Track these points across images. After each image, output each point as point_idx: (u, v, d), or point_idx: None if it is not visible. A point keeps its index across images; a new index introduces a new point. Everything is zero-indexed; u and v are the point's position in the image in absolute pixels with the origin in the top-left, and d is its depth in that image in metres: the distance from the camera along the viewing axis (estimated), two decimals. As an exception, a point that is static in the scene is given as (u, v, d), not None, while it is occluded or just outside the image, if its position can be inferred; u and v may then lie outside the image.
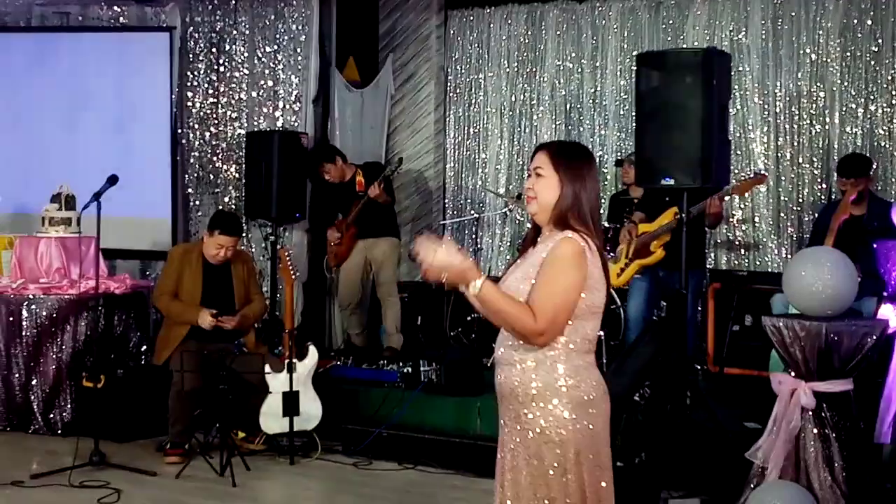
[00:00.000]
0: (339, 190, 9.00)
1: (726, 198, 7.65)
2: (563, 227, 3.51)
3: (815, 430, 5.31)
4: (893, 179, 8.57)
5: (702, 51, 6.55)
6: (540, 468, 3.48)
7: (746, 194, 8.63)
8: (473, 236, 10.18)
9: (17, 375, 8.04)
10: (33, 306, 8.04)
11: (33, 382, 8.01)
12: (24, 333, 8.02)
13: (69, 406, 7.99)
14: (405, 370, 8.10)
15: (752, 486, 5.50)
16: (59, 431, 7.94)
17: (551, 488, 3.47)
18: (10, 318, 8.06)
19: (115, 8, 10.28)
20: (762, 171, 8.37)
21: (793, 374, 5.42)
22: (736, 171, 8.74)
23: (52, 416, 8.00)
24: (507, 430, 3.60)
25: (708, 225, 7.48)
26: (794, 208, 9.01)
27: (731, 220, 9.08)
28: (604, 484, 3.53)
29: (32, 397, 8.01)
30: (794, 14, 9.00)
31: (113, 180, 7.26)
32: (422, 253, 3.40)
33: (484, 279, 3.41)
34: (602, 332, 8.13)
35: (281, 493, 6.71)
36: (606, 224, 8.54)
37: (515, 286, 3.54)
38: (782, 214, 9.04)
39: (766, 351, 6.96)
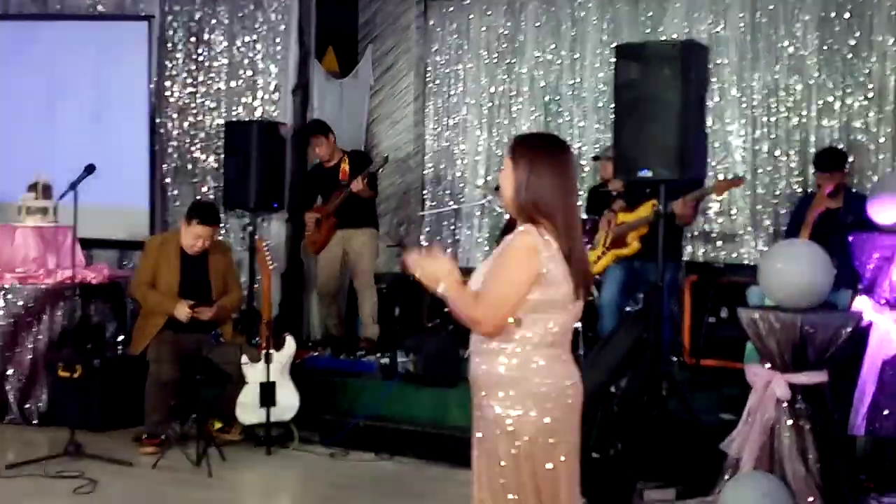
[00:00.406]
0: (323, 174, 8.97)
1: (706, 197, 7.67)
2: (526, 220, 3.52)
3: (790, 422, 5.35)
4: (870, 173, 8.59)
5: (680, 43, 6.59)
6: (494, 457, 3.52)
7: (723, 195, 8.66)
8: (452, 227, 10.21)
9: (-8, 365, 8.01)
10: (9, 296, 8.00)
11: (9, 372, 7.97)
12: (-1, 323, 7.99)
13: (45, 396, 7.96)
14: (382, 361, 8.11)
15: (726, 477, 5.54)
16: (35, 422, 7.91)
17: (506, 477, 3.51)
18: (-14, 308, 8.02)
19: (94, -4, 10.25)
20: (741, 175, 8.43)
21: (768, 365, 5.46)
22: (713, 164, 8.77)
23: (27, 406, 7.97)
24: (474, 419, 3.65)
25: (678, 223, 7.46)
26: (771, 201, 9.04)
27: (707, 212, 9.10)
28: (560, 478, 3.56)
29: (8, 387, 7.97)
30: (771, 7, 9.01)
31: (90, 169, 7.23)
32: (411, 267, 3.53)
33: (450, 280, 3.48)
34: (579, 324, 8.19)
35: (257, 484, 6.70)
36: (585, 216, 8.55)
37: (479, 273, 3.61)
38: (759, 207, 9.07)
39: (741, 343, 6.99)
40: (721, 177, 8.67)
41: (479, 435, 3.62)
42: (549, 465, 3.51)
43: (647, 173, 6.43)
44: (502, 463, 3.51)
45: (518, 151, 3.59)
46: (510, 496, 3.52)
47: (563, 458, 3.55)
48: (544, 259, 3.44)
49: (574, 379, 3.60)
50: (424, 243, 9.99)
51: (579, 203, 8.91)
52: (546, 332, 3.50)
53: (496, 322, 3.46)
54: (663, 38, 9.23)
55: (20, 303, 7.99)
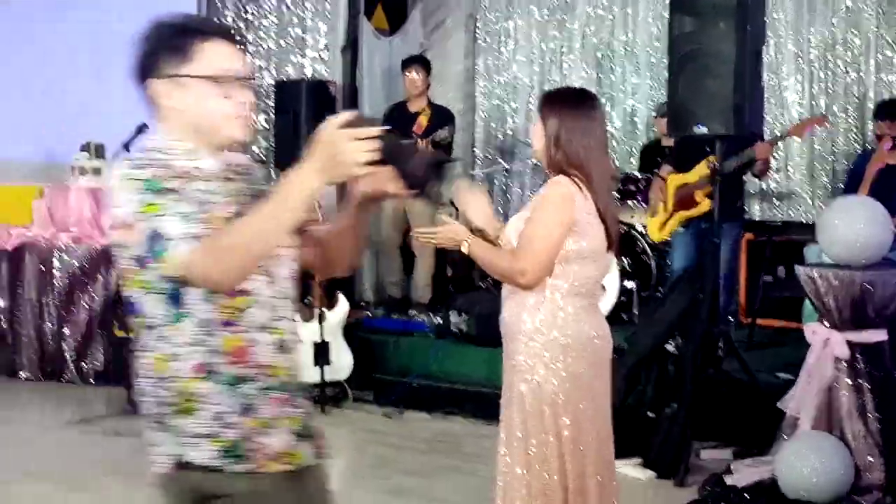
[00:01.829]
0: (401, 117, 8.83)
1: (779, 142, 7.53)
2: (558, 172, 3.54)
3: (849, 381, 5.28)
4: (929, 128, 8.44)
5: (736, -5, 6.44)
6: (521, 405, 3.56)
7: (803, 135, 8.17)
8: (503, 187, 10.15)
9: (49, 325, 8.09)
10: (64, 255, 8.08)
11: (65, 332, 8.05)
12: (55, 283, 8.06)
13: (101, 355, 8.04)
14: (435, 321, 8.10)
15: (784, 436, 5.48)
16: (92, 381, 7.99)
17: (529, 426, 3.53)
18: (42, 268, 8.09)
19: (143, -44, 10.23)
20: (824, 113, 8.25)
21: (826, 324, 5.38)
22: (769, 120, 8.64)
23: (84, 365, 8.05)
24: (504, 366, 3.71)
25: (756, 173, 7.34)
26: (828, 157, 8.91)
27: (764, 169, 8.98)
28: (584, 429, 3.55)
29: (65, 347, 8.06)
30: (830, -40, 8.86)
31: (142, 129, 7.23)
32: (460, 199, 3.80)
33: (471, 240, 3.67)
34: (634, 284, 8.14)
35: (312, 442, 6.73)
36: (638, 174, 8.47)
37: (513, 225, 3.67)
38: (816, 164, 8.94)
39: (798, 302, 6.91)
40: (778, 133, 8.55)
41: (506, 383, 3.64)
42: (569, 418, 3.52)
43: (702, 129, 6.32)
44: (525, 411, 3.54)
45: (546, 107, 3.65)
46: (531, 448, 3.54)
47: (582, 408, 3.55)
48: (578, 208, 3.46)
49: (601, 331, 3.62)
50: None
51: (632, 160, 8.88)
52: (576, 281, 3.54)
53: (540, 272, 3.51)
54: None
55: (75, 263, 8.06)
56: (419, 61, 8.96)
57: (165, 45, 2.47)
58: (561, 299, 3.55)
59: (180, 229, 2.26)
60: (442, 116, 8.87)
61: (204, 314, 2.37)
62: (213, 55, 2.45)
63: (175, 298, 2.37)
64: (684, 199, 7.47)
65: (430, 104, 8.87)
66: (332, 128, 2.24)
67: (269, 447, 2.43)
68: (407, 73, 8.84)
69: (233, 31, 2.55)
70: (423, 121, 8.75)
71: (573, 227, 3.49)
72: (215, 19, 9.85)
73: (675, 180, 7.57)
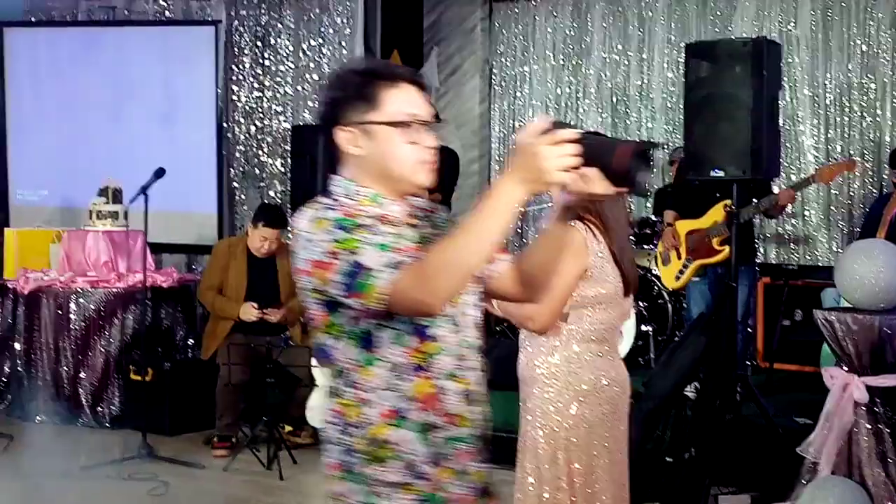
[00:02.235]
0: None
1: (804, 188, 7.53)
2: (574, 217, 3.54)
3: (869, 426, 5.23)
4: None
5: (752, 40, 6.45)
6: (534, 450, 3.57)
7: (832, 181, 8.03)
8: (518, 230, 10.15)
9: (65, 368, 8.08)
10: (81, 300, 8.09)
11: (81, 375, 8.05)
12: (71, 327, 8.06)
13: (117, 399, 8.03)
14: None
15: (803, 481, 5.43)
16: (108, 424, 7.98)
17: (542, 472, 3.53)
18: (59, 312, 8.10)
19: (161, 2, 10.34)
20: (852, 157, 8.23)
21: (845, 368, 5.34)
22: (785, 164, 8.65)
23: (100, 409, 8.04)
24: (520, 412, 3.72)
25: (770, 215, 7.35)
26: (845, 201, 8.90)
27: (781, 216, 8.98)
28: (597, 475, 3.56)
29: (80, 390, 8.05)
30: (843, 5, 8.89)
31: (160, 173, 7.29)
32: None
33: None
34: (651, 328, 8.12)
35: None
36: (654, 218, 8.47)
37: None
38: (832, 208, 8.93)
39: (816, 346, 6.87)
40: (794, 178, 8.54)
41: (521, 430, 3.64)
42: (582, 465, 3.51)
43: (719, 173, 6.32)
44: (538, 457, 3.54)
45: None
46: (545, 494, 3.53)
47: (596, 454, 3.53)
48: (591, 255, 3.46)
49: (617, 377, 3.60)
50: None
51: (648, 204, 8.87)
52: (591, 327, 3.53)
53: (550, 318, 3.51)
54: (733, 37, 9.12)
55: (92, 307, 8.08)
56: None
57: (352, 93, 2.46)
58: (575, 345, 3.54)
59: (380, 259, 2.25)
60: (448, 158, 8.88)
61: (395, 358, 2.36)
62: (399, 101, 2.44)
63: (366, 342, 2.36)
64: (699, 247, 7.42)
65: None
66: (531, 136, 2.18)
67: (460, 501, 2.42)
68: None
69: (417, 76, 2.52)
70: None
71: (587, 272, 3.49)
72: (233, 66, 9.96)
73: (684, 226, 7.53)
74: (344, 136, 2.46)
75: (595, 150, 2.18)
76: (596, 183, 2.22)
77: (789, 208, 8.66)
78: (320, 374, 7.14)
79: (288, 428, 7.38)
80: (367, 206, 2.41)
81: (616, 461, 3.63)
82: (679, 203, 7.69)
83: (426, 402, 2.38)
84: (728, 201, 6.86)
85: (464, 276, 2.24)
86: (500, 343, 7.95)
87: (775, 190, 7.45)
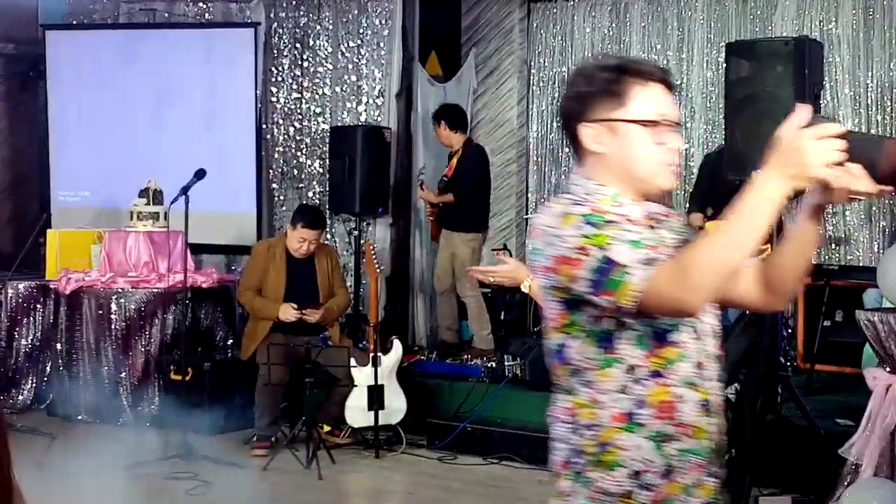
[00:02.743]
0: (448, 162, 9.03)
1: None
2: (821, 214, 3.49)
3: (912, 427, 5.20)
4: None
5: (793, 39, 6.41)
6: None
7: None
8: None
9: (106, 368, 8.15)
10: (122, 300, 8.15)
11: (122, 375, 8.11)
12: (113, 327, 8.13)
13: (157, 399, 8.08)
14: (489, 365, 8.08)
15: (845, 483, 5.40)
16: (148, 423, 8.03)
17: None
18: (100, 312, 8.17)
19: (201, 4, 10.39)
20: None
21: (888, 369, 5.30)
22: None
23: (140, 408, 8.10)
24: None
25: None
26: (887, 201, 8.81)
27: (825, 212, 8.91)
28: None
29: (121, 390, 8.11)
30: (886, 3, 8.79)
31: (200, 174, 7.34)
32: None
33: (532, 280, 3.46)
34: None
35: (366, 487, 6.73)
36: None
37: None
38: (874, 207, 8.85)
39: (857, 347, 6.83)
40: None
41: None
42: None
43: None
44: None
45: None
46: None
47: None
48: None
49: None
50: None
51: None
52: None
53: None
54: (773, 36, 9.07)
55: (133, 307, 8.14)
56: (436, 116, 9.04)
57: (600, 89, 2.39)
58: None
59: (634, 256, 2.19)
60: (470, 154, 8.92)
61: (634, 360, 2.31)
62: (648, 99, 2.38)
63: (606, 342, 2.31)
64: None
65: (463, 145, 8.90)
66: (794, 129, 2.12)
67: None
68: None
69: (668, 75, 2.46)
70: (453, 162, 8.83)
71: None
72: (272, 68, 10.00)
73: (717, 226, 7.47)
74: (588, 133, 2.40)
75: (862, 147, 2.12)
76: (860, 181, 2.12)
77: (830, 206, 8.60)
78: (359, 374, 7.17)
79: (327, 428, 7.41)
80: (608, 206, 2.34)
81: None
82: (707, 203, 7.64)
83: (662, 410, 2.31)
84: None
85: (724, 274, 2.17)
86: (537, 344, 7.95)
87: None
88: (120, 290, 8.21)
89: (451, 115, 8.96)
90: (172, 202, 7.44)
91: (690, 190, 8.85)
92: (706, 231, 7.42)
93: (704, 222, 7.55)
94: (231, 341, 8.44)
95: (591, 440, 2.34)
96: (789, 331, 7.71)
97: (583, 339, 2.33)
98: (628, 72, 2.39)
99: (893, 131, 8.79)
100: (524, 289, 3.61)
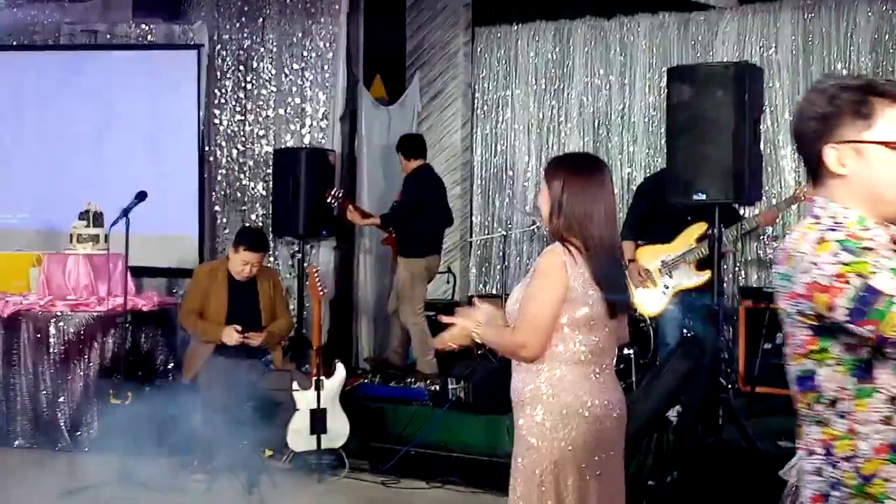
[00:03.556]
0: None
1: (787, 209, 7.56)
2: (558, 238, 3.55)
3: (851, 449, 5.23)
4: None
5: (734, 64, 6.49)
6: (525, 473, 3.55)
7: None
8: (501, 254, 10.13)
9: (44, 392, 8.03)
10: (61, 323, 8.04)
11: (60, 399, 7.99)
12: (51, 350, 8.01)
13: (96, 423, 7.97)
14: (433, 388, 8.06)
15: (786, 505, 5.42)
16: (86, 449, 7.91)
17: (531, 493, 3.52)
18: (38, 335, 8.05)
19: (143, 26, 10.31)
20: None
21: (828, 391, 5.34)
22: (766, 188, 8.67)
23: (79, 433, 7.98)
24: (515, 436, 3.70)
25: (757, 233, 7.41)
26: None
27: (762, 237, 9.00)
28: (587, 497, 3.52)
29: (59, 414, 7.99)
30: (824, 30, 8.94)
31: (141, 196, 7.27)
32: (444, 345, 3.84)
33: (477, 329, 3.67)
34: (632, 350, 8.10)
35: (308, 512, 6.66)
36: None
37: (514, 297, 3.67)
38: (814, 231, 8.94)
39: (798, 369, 6.87)
40: (774, 201, 8.56)
41: (513, 451, 3.66)
42: (571, 487, 3.50)
43: (702, 196, 6.34)
44: (528, 480, 3.54)
45: (551, 173, 3.65)
46: None
47: (588, 478, 3.52)
48: (571, 276, 3.45)
49: (606, 398, 3.58)
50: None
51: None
52: (576, 349, 3.52)
53: (539, 344, 3.52)
54: (713, 61, 9.17)
55: (72, 330, 8.03)
56: (396, 147, 9.21)
57: (847, 109, 2.33)
58: (560, 367, 3.53)
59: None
60: (411, 182, 9.02)
61: (894, 390, 2.24)
62: (895, 120, 2.32)
63: (863, 371, 2.25)
64: (675, 273, 7.44)
65: (413, 170, 8.99)
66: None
67: None
68: None
69: None
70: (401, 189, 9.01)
71: (568, 294, 3.48)
72: (215, 90, 9.94)
73: (653, 252, 7.51)
74: (832, 154, 2.34)
75: None
76: None
77: (769, 230, 8.69)
78: (301, 398, 7.11)
79: (269, 452, 7.34)
80: (854, 230, 2.29)
81: (609, 484, 3.61)
82: (639, 230, 7.67)
83: None
84: (700, 225, 6.92)
85: None
86: (480, 366, 7.95)
87: (743, 214, 7.49)
88: (59, 314, 8.10)
89: (405, 144, 9.09)
90: (113, 224, 7.35)
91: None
92: (637, 259, 7.48)
93: (634, 252, 7.57)
94: (172, 365, 8.34)
95: (851, 472, 2.28)
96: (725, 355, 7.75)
97: (834, 368, 2.28)
98: (875, 92, 2.34)
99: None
100: (477, 340, 3.65)
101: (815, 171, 2.40)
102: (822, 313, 2.23)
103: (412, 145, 9.09)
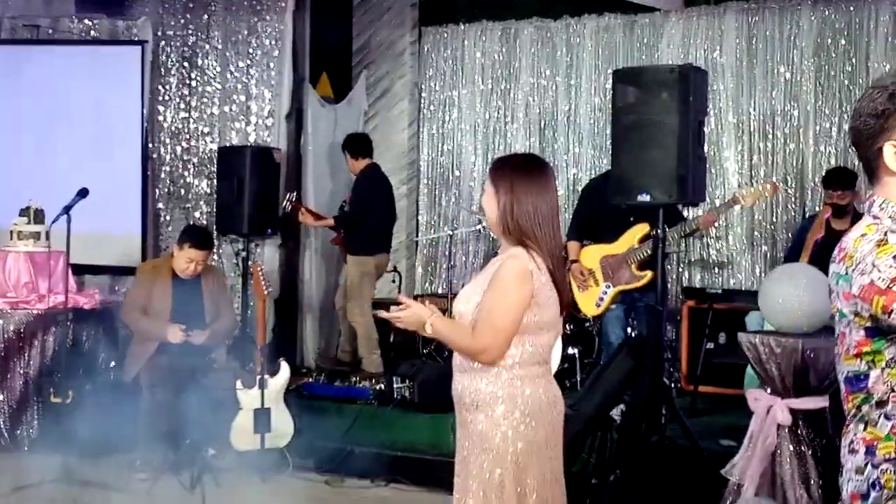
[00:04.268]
0: None
1: (735, 207, 7.62)
2: (514, 242, 3.54)
3: (791, 448, 5.30)
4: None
5: (678, 67, 6.54)
6: (480, 475, 3.55)
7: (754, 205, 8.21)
8: (447, 253, 10.15)
9: (-17, 391, 7.92)
10: (0, 321, 7.93)
11: (0, 398, 7.88)
12: (-9, 348, 7.90)
13: (36, 422, 7.86)
14: (378, 387, 8.05)
15: (728, 503, 5.48)
16: (26, 448, 7.81)
17: (490, 495, 3.51)
18: (-24, 334, 7.94)
19: (87, 21, 10.19)
20: (773, 180, 8.34)
21: (769, 390, 5.41)
22: (710, 190, 8.75)
23: (18, 432, 7.87)
24: (459, 436, 3.69)
25: (697, 234, 7.50)
26: (768, 226, 9.03)
27: (704, 238, 9.08)
28: (546, 495, 3.54)
29: (-1, 413, 7.89)
30: (768, 33, 9.04)
31: (83, 193, 7.19)
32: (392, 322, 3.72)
33: (433, 319, 3.58)
34: (576, 350, 8.16)
35: (252, 511, 6.63)
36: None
37: (467, 296, 3.65)
38: (756, 233, 9.05)
39: (739, 369, 6.97)
40: (717, 203, 8.63)
41: (463, 454, 3.61)
42: (532, 484, 3.52)
43: (646, 198, 6.39)
44: (485, 481, 3.53)
45: (498, 174, 3.63)
46: None
47: (543, 473, 3.54)
48: (536, 282, 3.46)
49: (555, 397, 3.62)
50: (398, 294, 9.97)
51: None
52: (532, 350, 3.54)
53: (501, 350, 3.51)
54: (658, 63, 9.23)
55: (11, 328, 7.91)
56: (342, 146, 9.31)
57: None
58: (518, 368, 3.54)
59: None
60: (360, 181, 9.13)
61: None
62: None
63: None
64: (618, 272, 7.49)
65: (362, 170, 9.07)
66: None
67: None
68: None
69: None
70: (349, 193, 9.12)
71: (532, 299, 3.49)
72: (159, 87, 9.85)
73: (595, 252, 7.58)
74: (891, 152, 2.33)
75: None
76: None
77: (712, 231, 8.77)
78: (245, 396, 7.07)
79: (212, 451, 7.28)
80: None
81: (557, 479, 3.64)
82: (584, 229, 7.75)
83: None
84: (642, 226, 6.98)
85: None
86: (426, 365, 7.96)
87: (687, 215, 7.56)
88: (-2, 311, 8.00)
89: (351, 144, 9.15)
90: (54, 221, 7.26)
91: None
92: (580, 259, 7.53)
93: (578, 251, 7.64)
94: (113, 363, 8.25)
95: (891, 474, 2.30)
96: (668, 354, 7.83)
97: (886, 370, 2.29)
98: None
99: (775, 158, 9.00)
100: (427, 331, 3.59)
101: (873, 169, 2.40)
102: (878, 315, 2.24)
103: (359, 144, 9.10)
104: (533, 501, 3.53)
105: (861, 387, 2.33)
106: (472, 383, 3.59)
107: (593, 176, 9.29)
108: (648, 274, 7.33)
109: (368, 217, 8.92)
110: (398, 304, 3.75)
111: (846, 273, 2.28)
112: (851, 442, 2.38)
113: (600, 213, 7.51)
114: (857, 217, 7.27)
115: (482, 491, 3.54)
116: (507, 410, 3.52)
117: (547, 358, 3.64)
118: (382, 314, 3.79)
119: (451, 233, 9.78)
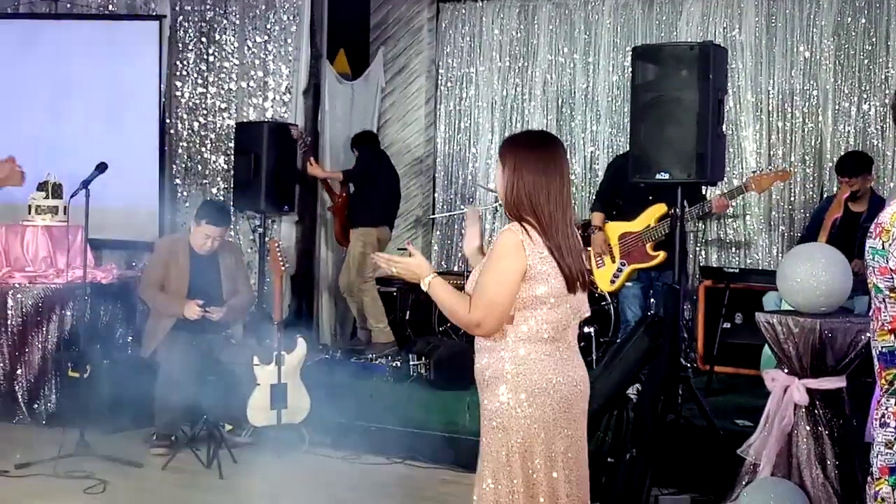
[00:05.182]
0: None
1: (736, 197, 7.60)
2: (515, 218, 3.55)
3: (808, 428, 5.29)
4: (885, 179, 8.55)
5: (698, 44, 6.50)
6: (489, 452, 3.57)
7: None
8: (463, 231, 10.13)
9: (1, 365, 7.95)
10: (19, 295, 7.96)
11: (18, 372, 7.93)
12: (9, 323, 7.93)
13: (54, 396, 7.91)
14: (394, 364, 8.06)
15: (743, 483, 5.48)
16: (44, 422, 7.86)
17: (498, 473, 3.53)
18: (-5, 308, 7.98)
19: (105, -5, 10.20)
20: (786, 168, 8.31)
21: (786, 370, 5.40)
22: (728, 168, 8.72)
23: (36, 406, 7.92)
24: (480, 415, 3.68)
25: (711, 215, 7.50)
26: (785, 206, 9.00)
27: (721, 218, 9.05)
28: (555, 475, 3.53)
29: (17, 387, 7.92)
30: (788, 12, 9.00)
31: (102, 168, 7.20)
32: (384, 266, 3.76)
33: (433, 277, 3.61)
34: (592, 329, 8.15)
35: (268, 487, 6.64)
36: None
37: (473, 275, 3.65)
38: (773, 212, 9.02)
39: (756, 349, 6.95)
40: (735, 182, 8.60)
41: (481, 434, 3.64)
42: (539, 464, 3.51)
43: (664, 176, 6.37)
44: (493, 458, 3.54)
45: (505, 152, 3.65)
46: (501, 497, 3.53)
47: (553, 456, 3.53)
48: (528, 255, 3.45)
49: (567, 376, 3.59)
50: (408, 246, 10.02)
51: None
52: (538, 327, 3.52)
53: (494, 322, 3.52)
54: (677, 41, 9.19)
55: (30, 302, 7.95)
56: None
57: None
58: (524, 346, 3.53)
59: None
60: (364, 153, 9.34)
61: None
62: None
63: None
64: (633, 250, 7.50)
65: (363, 148, 9.32)
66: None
67: None
68: None
69: None
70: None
71: (526, 273, 3.48)
72: (177, 62, 9.84)
73: (615, 228, 7.60)
74: None
75: None
76: None
77: (729, 211, 8.74)
78: (262, 372, 7.09)
79: (228, 427, 7.32)
80: None
81: (573, 458, 3.62)
82: (609, 204, 7.76)
83: None
84: (660, 205, 6.97)
85: None
86: (442, 343, 7.96)
87: (707, 195, 7.54)
88: (17, 286, 8.03)
89: (355, 139, 9.39)
90: (72, 196, 7.27)
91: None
92: (604, 230, 7.55)
93: (603, 223, 7.67)
94: (131, 338, 8.29)
95: None
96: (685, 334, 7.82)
97: None
98: None
99: (794, 136, 8.96)
100: (423, 286, 3.61)
101: None
102: None
103: (359, 137, 9.28)
104: (542, 480, 3.53)
105: (895, 362, 2.31)
106: (481, 362, 3.62)
107: (610, 154, 9.29)
108: (662, 254, 7.34)
109: (372, 188, 9.00)
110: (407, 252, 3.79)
111: (882, 248, 2.28)
112: (883, 416, 2.39)
113: (623, 189, 7.51)
114: (873, 200, 7.30)
115: (492, 470, 3.55)
116: (512, 389, 3.53)
117: (558, 336, 3.58)
118: (382, 256, 3.78)
119: (466, 210, 9.76)
